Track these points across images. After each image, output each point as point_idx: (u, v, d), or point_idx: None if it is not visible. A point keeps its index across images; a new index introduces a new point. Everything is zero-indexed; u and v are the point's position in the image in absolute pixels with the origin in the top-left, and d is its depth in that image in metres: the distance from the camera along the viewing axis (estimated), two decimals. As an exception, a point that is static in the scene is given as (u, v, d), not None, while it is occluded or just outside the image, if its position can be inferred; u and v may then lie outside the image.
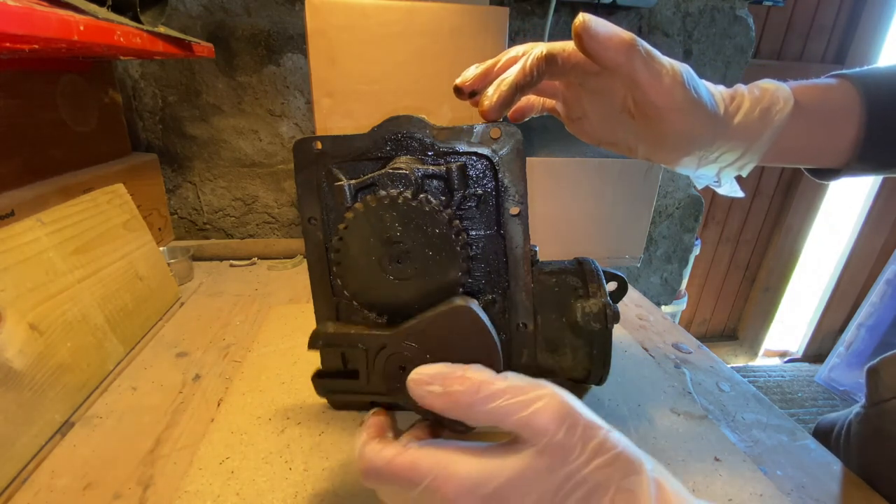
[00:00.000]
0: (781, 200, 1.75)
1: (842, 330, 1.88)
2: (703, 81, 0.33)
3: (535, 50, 0.33)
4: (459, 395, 0.23)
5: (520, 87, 0.33)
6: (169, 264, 0.71)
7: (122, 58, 0.73)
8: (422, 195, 0.33)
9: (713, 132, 0.33)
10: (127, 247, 0.61)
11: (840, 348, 1.80)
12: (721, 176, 0.37)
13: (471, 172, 0.36)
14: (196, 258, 0.83)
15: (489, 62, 0.37)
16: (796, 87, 0.35)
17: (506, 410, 0.21)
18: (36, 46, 0.44)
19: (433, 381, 0.24)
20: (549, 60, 0.32)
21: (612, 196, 0.76)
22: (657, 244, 1.22)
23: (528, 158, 0.36)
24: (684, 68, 0.31)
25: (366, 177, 0.35)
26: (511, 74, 0.33)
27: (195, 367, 0.54)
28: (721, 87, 0.34)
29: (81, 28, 0.41)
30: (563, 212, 0.77)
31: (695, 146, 0.33)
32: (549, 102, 0.43)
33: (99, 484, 0.39)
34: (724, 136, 0.33)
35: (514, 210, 0.36)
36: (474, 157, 0.36)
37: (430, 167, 0.35)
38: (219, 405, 0.48)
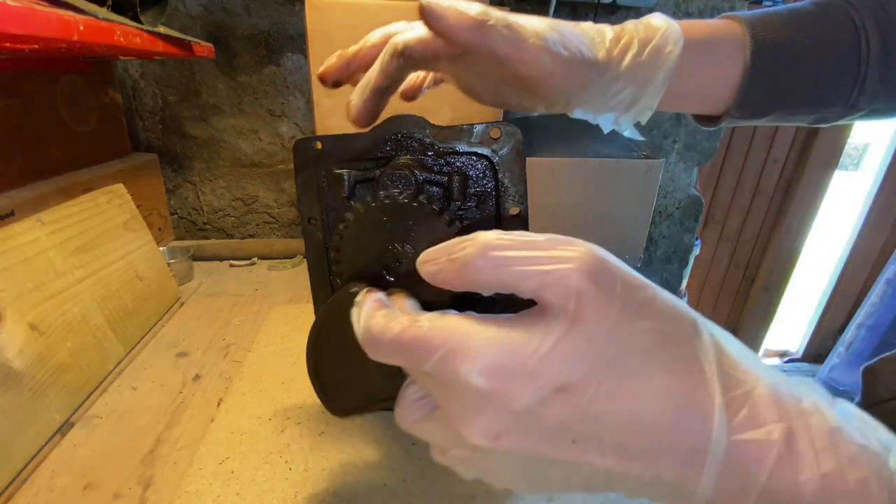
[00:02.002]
0: (781, 200, 1.75)
1: (842, 330, 1.88)
2: (584, 24, 0.31)
3: (391, 43, 0.31)
4: (469, 257, 0.19)
5: (382, 91, 0.32)
6: (169, 264, 0.71)
7: (122, 58, 0.73)
8: (421, 196, 0.33)
9: (599, 82, 0.31)
10: (127, 247, 0.61)
11: (840, 348, 1.80)
12: (620, 122, 0.35)
13: (471, 172, 0.36)
14: (196, 258, 0.83)
15: (351, 50, 0.35)
16: (684, 25, 0.32)
17: (524, 271, 0.18)
18: (36, 46, 0.44)
19: (440, 254, 0.20)
20: (405, 55, 0.31)
21: (612, 196, 0.76)
22: (657, 244, 1.22)
23: (528, 158, 0.36)
24: (549, 28, 0.29)
25: (366, 177, 0.35)
26: (371, 77, 0.32)
27: (195, 367, 0.54)
28: (607, 28, 0.32)
29: (81, 28, 0.41)
30: (563, 212, 0.77)
31: (583, 98, 0.32)
32: (438, 76, 0.41)
33: (99, 484, 0.39)
34: (613, 81, 0.31)
35: (514, 210, 0.36)
36: (474, 157, 0.36)
37: (432, 174, 0.35)
38: (219, 405, 0.48)
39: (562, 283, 0.17)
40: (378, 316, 0.20)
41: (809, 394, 0.18)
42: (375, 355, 0.20)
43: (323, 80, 0.35)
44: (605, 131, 0.35)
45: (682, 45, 0.31)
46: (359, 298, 0.23)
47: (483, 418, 0.18)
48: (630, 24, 0.32)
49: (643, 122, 0.35)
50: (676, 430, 0.16)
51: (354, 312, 0.22)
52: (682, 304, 0.18)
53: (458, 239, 0.20)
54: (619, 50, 0.31)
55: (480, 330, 0.18)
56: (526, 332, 0.17)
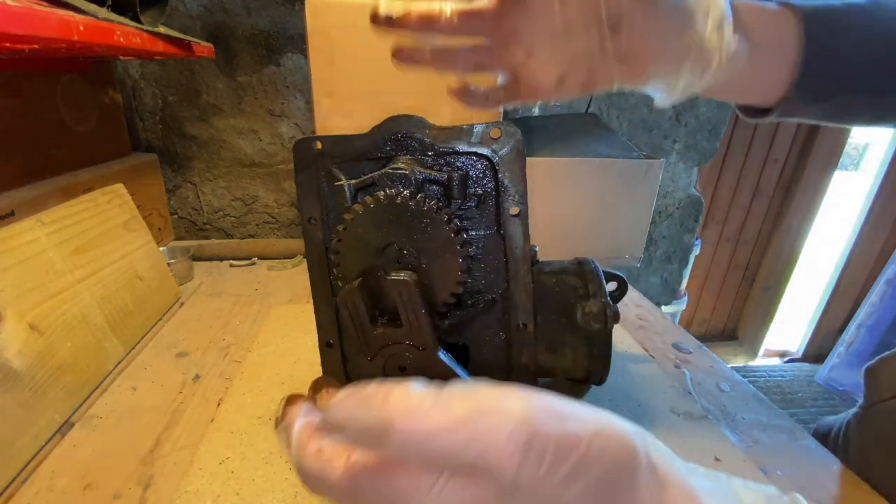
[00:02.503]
0: (781, 200, 1.75)
1: (842, 330, 1.88)
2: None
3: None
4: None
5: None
6: (169, 264, 0.71)
7: (122, 58, 0.73)
8: (421, 195, 0.33)
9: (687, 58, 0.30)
10: (127, 247, 0.61)
11: (840, 348, 1.80)
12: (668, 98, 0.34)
13: (471, 173, 0.36)
14: (196, 258, 0.83)
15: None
16: (737, 5, 0.31)
17: (443, 448, 0.16)
18: (36, 46, 0.44)
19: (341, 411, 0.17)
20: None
21: (612, 196, 0.76)
22: (657, 244, 1.22)
23: (528, 158, 0.36)
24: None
25: (365, 177, 0.35)
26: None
27: (195, 367, 0.54)
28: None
29: (81, 28, 0.41)
30: (563, 212, 0.77)
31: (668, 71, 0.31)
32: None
33: (99, 484, 0.39)
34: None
35: (514, 210, 0.36)
36: (474, 157, 0.36)
37: (432, 172, 0.35)
38: (219, 405, 0.48)
39: (487, 457, 0.15)
40: (309, 455, 0.18)
41: None
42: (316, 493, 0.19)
43: (376, 16, 0.33)
44: (658, 104, 0.34)
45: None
46: (279, 415, 0.20)
47: None
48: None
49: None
50: None
51: (281, 434, 0.20)
52: (616, 434, 0.17)
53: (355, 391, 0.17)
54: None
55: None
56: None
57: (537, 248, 0.44)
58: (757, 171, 1.66)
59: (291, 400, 0.21)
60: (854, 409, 0.47)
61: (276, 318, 0.65)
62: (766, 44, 0.31)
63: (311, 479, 0.18)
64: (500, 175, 0.36)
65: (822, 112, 0.34)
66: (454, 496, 0.16)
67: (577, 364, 0.43)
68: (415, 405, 0.16)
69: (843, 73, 0.32)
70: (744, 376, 0.56)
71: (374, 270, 0.35)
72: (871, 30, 0.32)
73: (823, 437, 0.51)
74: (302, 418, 0.19)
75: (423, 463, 0.16)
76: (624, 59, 0.30)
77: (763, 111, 0.35)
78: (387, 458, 0.17)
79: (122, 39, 0.48)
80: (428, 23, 0.31)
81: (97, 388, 0.50)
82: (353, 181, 0.35)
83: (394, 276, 0.33)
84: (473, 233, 0.37)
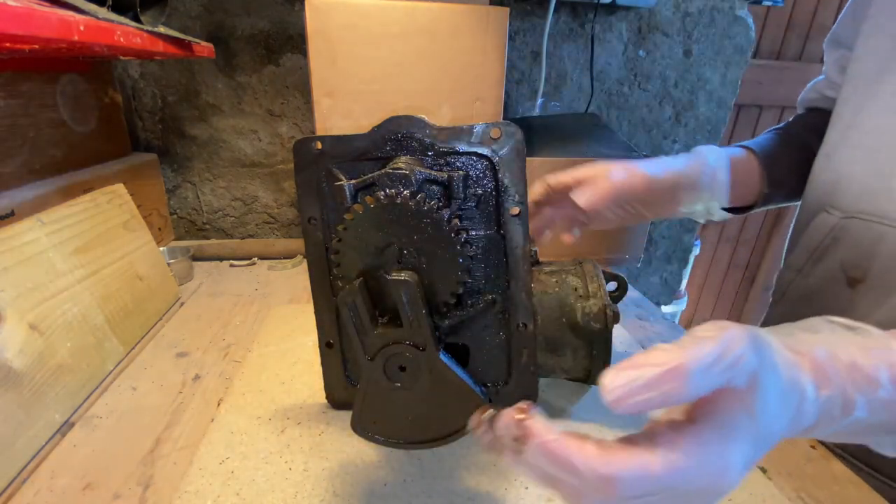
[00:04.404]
0: (781, 200, 1.75)
1: (841, 330, 1.88)
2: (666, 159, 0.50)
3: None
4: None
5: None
6: (169, 264, 0.71)
7: (122, 58, 0.73)
8: (421, 195, 0.33)
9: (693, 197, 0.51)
10: (127, 247, 0.61)
11: (840, 348, 1.80)
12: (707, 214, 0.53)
13: (471, 173, 0.36)
14: (196, 258, 0.83)
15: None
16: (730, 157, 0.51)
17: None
18: (36, 46, 0.44)
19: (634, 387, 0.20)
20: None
21: (612, 196, 0.76)
22: (657, 244, 1.22)
23: (528, 158, 0.36)
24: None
25: (366, 177, 0.35)
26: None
27: (195, 367, 0.54)
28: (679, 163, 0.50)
29: (81, 28, 0.41)
30: (562, 212, 0.77)
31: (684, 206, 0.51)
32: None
33: (99, 484, 0.39)
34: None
35: (515, 210, 0.36)
36: (474, 157, 0.36)
37: (432, 172, 0.35)
38: (219, 405, 0.48)
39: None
40: (619, 456, 0.20)
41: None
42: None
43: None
44: (701, 221, 0.55)
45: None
46: (514, 435, 0.22)
47: None
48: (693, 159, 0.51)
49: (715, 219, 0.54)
50: None
51: (532, 452, 0.22)
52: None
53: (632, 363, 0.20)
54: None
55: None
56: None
57: (537, 249, 0.44)
58: (757, 171, 1.66)
59: (524, 420, 0.22)
60: None
61: (276, 318, 0.65)
62: (741, 182, 0.52)
63: (628, 479, 0.20)
64: (500, 175, 0.36)
65: (782, 198, 0.56)
66: (738, 424, 0.21)
67: (578, 364, 0.43)
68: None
69: (784, 181, 0.54)
70: (744, 376, 0.56)
71: (375, 270, 0.35)
72: (791, 155, 0.54)
73: None
74: (566, 439, 0.21)
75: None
76: (657, 215, 0.52)
77: (745, 208, 0.55)
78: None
79: (122, 39, 0.48)
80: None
81: (97, 388, 0.50)
82: (353, 181, 0.35)
83: (394, 275, 0.33)
84: (473, 233, 0.37)
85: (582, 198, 0.46)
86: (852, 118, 0.47)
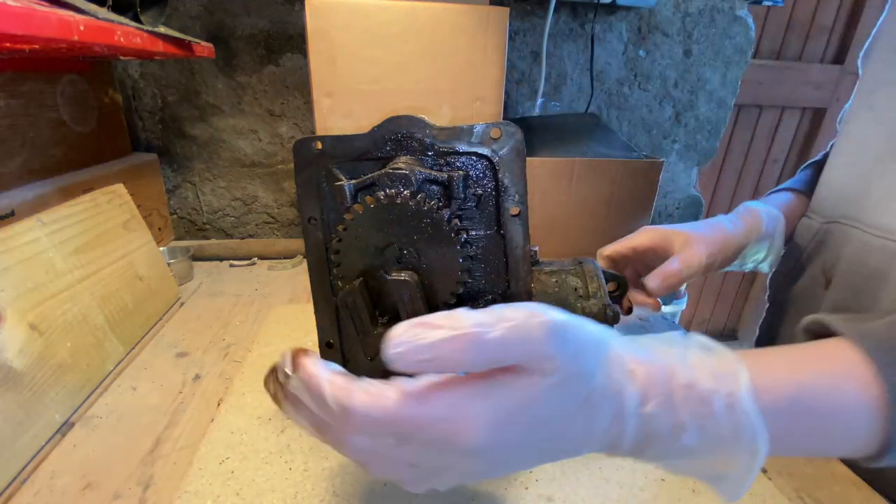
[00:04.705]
0: (781, 200, 1.75)
1: (841, 330, 1.88)
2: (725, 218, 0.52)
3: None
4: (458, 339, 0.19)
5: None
6: (169, 264, 0.71)
7: (122, 58, 0.73)
8: (421, 195, 0.33)
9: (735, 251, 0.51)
10: (127, 247, 0.61)
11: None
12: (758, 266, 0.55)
13: (471, 173, 0.36)
14: (196, 258, 0.83)
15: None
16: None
17: (502, 345, 0.19)
18: (36, 46, 0.44)
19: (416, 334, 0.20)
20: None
21: (612, 196, 0.76)
22: (657, 244, 1.22)
23: (528, 158, 0.36)
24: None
25: (366, 177, 0.35)
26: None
27: (195, 367, 0.54)
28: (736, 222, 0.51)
29: (81, 28, 0.41)
30: (563, 212, 0.77)
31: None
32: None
33: (99, 484, 0.39)
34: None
35: (515, 210, 0.36)
36: (474, 157, 0.36)
37: (432, 172, 0.35)
38: (219, 405, 0.48)
39: (538, 352, 0.20)
40: (359, 391, 0.21)
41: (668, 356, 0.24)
42: (361, 431, 0.21)
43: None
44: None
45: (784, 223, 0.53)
46: (289, 368, 0.23)
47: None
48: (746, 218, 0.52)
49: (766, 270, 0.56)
50: None
51: (296, 385, 0.22)
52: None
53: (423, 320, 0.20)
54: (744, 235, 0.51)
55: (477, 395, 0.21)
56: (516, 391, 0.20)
57: (537, 248, 0.44)
58: (757, 171, 1.65)
59: (301, 354, 0.23)
60: None
61: (276, 318, 0.65)
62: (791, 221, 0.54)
63: (360, 414, 0.20)
64: (500, 175, 0.36)
65: None
66: (504, 396, 0.20)
67: (577, 364, 0.43)
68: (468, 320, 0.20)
69: None
70: (744, 376, 0.56)
71: (375, 270, 0.35)
72: None
73: None
74: (326, 369, 0.22)
75: (474, 367, 0.20)
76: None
77: None
78: (437, 380, 0.21)
79: (122, 39, 0.47)
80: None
81: (97, 388, 0.50)
82: (353, 181, 0.35)
83: (395, 275, 0.33)
84: (473, 233, 0.37)
85: (653, 283, 0.48)
86: (843, 129, 0.48)
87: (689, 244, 0.48)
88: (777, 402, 0.23)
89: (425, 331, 0.19)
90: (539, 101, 0.97)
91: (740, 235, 0.50)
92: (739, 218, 0.52)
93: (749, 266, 0.54)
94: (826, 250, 0.47)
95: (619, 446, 0.23)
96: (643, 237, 0.51)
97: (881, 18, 0.48)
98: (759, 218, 0.51)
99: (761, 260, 0.54)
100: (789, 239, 0.54)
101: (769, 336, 0.57)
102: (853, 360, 0.25)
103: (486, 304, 0.39)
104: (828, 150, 0.55)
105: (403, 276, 0.33)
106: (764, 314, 0.59)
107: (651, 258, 0.51)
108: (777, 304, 0.55)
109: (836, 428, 0.25)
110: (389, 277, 0.33)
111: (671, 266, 0.48)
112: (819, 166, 0.55)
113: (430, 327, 0.19)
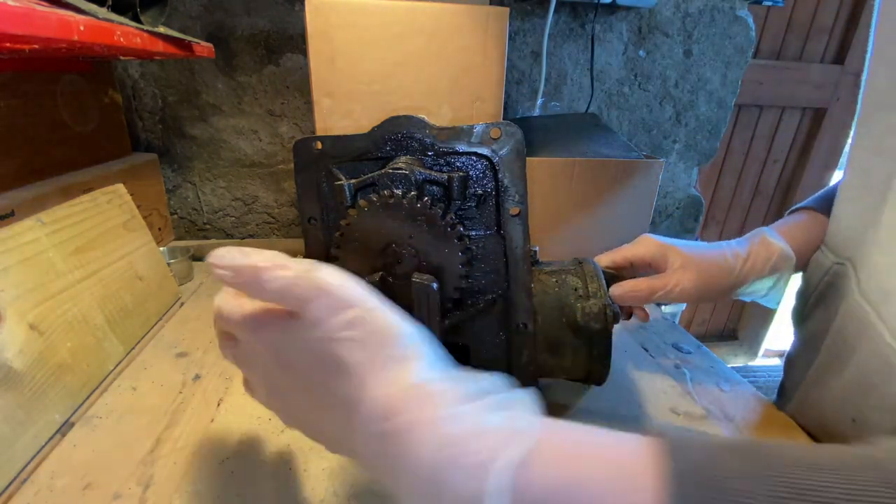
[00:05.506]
0: (781, 200, 1.75)
1: (842, 330, 1.88)
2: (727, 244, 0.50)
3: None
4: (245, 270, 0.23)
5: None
6: (169, 264, 0.71)
7: (122, 58, 0.73)
8: (421, 195, 0.33)
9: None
10: (127, 247, 0.61)
11: (840, 348, 1.80)
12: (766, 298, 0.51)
13: (471, 173, 0.36)
14: (196, 258, 0.83)
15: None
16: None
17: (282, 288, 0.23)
18: (36, 46, 0.44)
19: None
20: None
21: (612, 196, 0.76)
22: (657, 244, 1.22)
23: (528, 158, 0.36)
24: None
25: (365, 177, 0.35)
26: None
27: (195, 367, 0.54)
28: (735, 249, 0.49)
29: (81, 28, 0.41)
30: (563, 212, 0.77)
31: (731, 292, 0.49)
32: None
33: (99, 484, 0.39)
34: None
35: (514, 210, 0.36)
36: (474, 157, 0.36)
37: (432, 172, 0.35)
38: (219, 405, 0.48)
39: (299, 296, 0.23)
40: (227, 295, 0.27)
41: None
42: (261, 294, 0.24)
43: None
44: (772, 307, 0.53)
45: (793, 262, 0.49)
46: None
47: None
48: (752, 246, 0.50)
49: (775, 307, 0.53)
50: None
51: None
52: (389, 324, 0.25)
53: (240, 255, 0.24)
54: (748, 266, 0.49)
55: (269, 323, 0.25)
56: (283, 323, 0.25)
57: (537, 249, 0.44)
58: (757, 171, 1.65)
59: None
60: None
61: (276, 318, 0.65)
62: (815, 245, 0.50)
63: (222, 315, 0.26)
64: (500, 175, 0.36)
65: None
66: (272, 330, 0.25)
67: (577, 364, 0.43)
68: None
69: None
70: (744, 376, 0.56)
71: (375, 270, 0.35)
72: None
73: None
74: (227, 289, 0.27)
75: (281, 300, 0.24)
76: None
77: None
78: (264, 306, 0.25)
79: (122, 39, 0.47)
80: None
81: (97, 388, 0.50)
82: (353, 181, 0.35)
83: (417, 278, 0.33)
84: (473, 233, 0.37)
85: (618, 291, 0.46)
86: (849, 154, 0.45)
87: (682, 269, 0.46)
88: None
89: (236, 254, 0.23)
90: (539, 101, 0.97)
91: (742, 272, 0.48)
92: (748, 251, 0.49)
93: (748, 299, 0.51)
94: (831, 297, 0.44)
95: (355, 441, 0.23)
96: (641, 248, 0.49)
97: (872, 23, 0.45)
98: (769, 255, 0.48)
99: (762, 296, 0.51)
100: (804, 268, 0.51)
101: (790, 362, 0.54)
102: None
103: (487, 303, 0.39)
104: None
105: (425, 279, 0.33)
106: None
107: (646, 271, 0.49)
108: (797, 335, 0.53)
109: None
110: (413, 280, 0.33)
111: (640, 285, 0.46)
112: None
113: (243, 254, 0.23)
